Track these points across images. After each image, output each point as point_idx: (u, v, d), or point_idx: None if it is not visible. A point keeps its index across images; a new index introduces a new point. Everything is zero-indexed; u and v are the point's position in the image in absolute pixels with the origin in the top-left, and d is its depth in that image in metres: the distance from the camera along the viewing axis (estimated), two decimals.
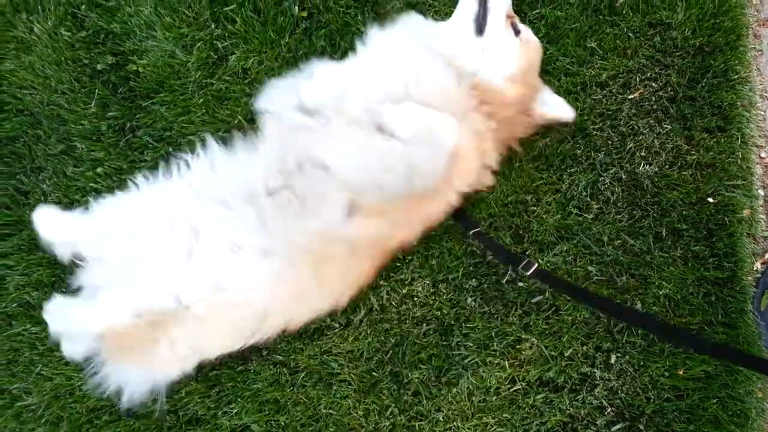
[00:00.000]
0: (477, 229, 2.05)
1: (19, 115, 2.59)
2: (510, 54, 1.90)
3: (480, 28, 1.91)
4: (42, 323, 2.46)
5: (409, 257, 2.23)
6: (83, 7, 2.55)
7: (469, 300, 2.16)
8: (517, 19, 1.99)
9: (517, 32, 1.95)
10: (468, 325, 2.14)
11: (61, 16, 2.56)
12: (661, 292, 2.05)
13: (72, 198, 2.49)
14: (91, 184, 2.46)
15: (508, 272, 2.14)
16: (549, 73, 2.18)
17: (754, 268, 2.10)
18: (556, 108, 2.02)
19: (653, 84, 2.12)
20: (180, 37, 2.45)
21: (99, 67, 2.51)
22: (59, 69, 2.54)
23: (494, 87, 1.87)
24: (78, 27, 2.55)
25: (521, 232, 2.16)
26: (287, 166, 1.89)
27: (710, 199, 2.06)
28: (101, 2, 2.54)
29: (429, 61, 1.86)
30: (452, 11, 2.06)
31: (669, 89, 2.11)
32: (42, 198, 2.52)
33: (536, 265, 1.87)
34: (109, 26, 2.51)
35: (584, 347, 2.07)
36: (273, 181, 1.91)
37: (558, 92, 2.15)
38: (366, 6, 2.32)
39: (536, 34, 2.18)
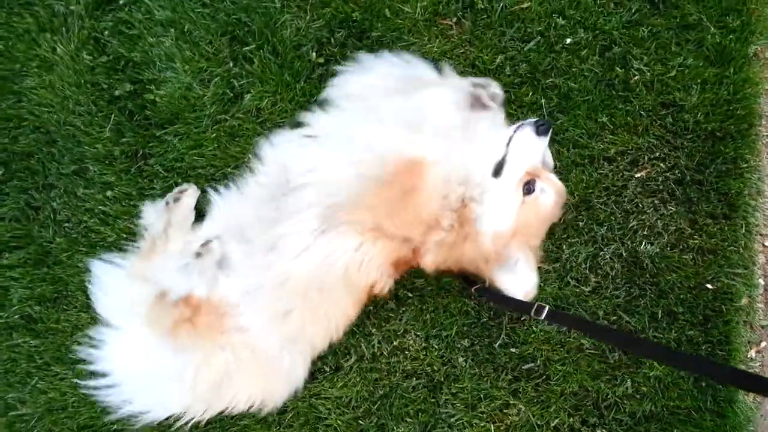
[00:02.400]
0: (480, 285, 1.94)
1: (36, 132, 2.53)
2: (507, 212, 1.74)
3: (497, 172, 1.76)
4: (41, 337, 2.41)
5: (403, 309, 2.16)
6: (106, 32, 2.48)
7: (461, 359, 2.08)
8: (540, 179, 1.80)
9: (528, 191, 1.77)
10: (457, 384, 2.07)
11: (84, 40, 2.49)
12: (651, 373, 1.97)
13: (80, 219, 2.42)
14: (100, 207, 2.40)
15: (501, 336, 2.06)
16: (558, 142, 2.10)
17: (749, 356, 2.02)
18: (512, 284, 1.76)
19: (661, 164, 2.03)
20: (198, 71, 2.38)
21: (117, 93, 2.44)
22: (78, 91, 2.47)
23: (477, 227, 1.74)
24: (99, 51, 2.49)
25: None
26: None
27: (709, 285, 1.98)
28: (124, 30, 2.47)
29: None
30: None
31: (677, 171, 2.03)
32: (51, 215, 2.47)
33: (547, 307, 1.72)
34: (130, 54, 2.45)
35: (571, 419, 1.99)
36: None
37: (566, 163, 2.08)
38: None
39: (547, 103, 2.11)
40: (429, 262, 1.82)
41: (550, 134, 1.80)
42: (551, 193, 1.80)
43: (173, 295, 1.81)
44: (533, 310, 1.73)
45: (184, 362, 1.82)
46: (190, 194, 2.18)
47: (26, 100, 2.55)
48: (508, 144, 1.77)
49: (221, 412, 1.95)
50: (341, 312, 1.90)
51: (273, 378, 1.94)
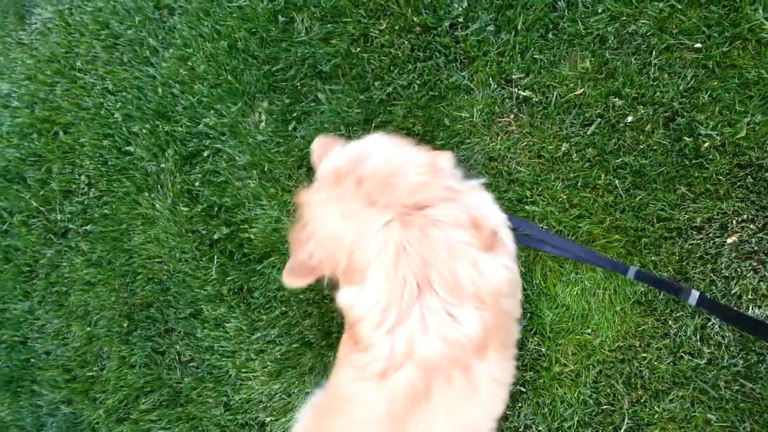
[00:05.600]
0: (634, 268, 1.75)
1: (150, 283, 2.76)
2: None
3: None
4: None
5: (519, 405, 2.18)
6: (197, 183, 2.70)
7: None
8: None
9: None
10: None
11: (178, 193, 2.72)
12: None
13: (202, 357, 2.61)
14: (218, 344, 2.57)
15: (625, 421, 2.05)
16: (642, 218, 2.11)
17: None
18: None
19: (751, 226, 2.00)
20: (283, 205, 2.55)
21: (216, 236, 2.64)
22: (181, 240, 2.69)
23: None
24: (194, 202, 2.71)
25: (633, 379, 2.07)
26: None
27: None
28: (212, 179, 2.68)
29: None
30: None
31: None
32: (176, 357, 2.66)
33: (698, 293, 1.60)
34: (221, 200, 2.65)
35: None
36: None
37: (654, 238, 2.09)
38: None
39: (621, 182, 2.14)
40: None
41: None
42: None
43: None
44: (683, 294, 1.62)
45: None
46: None
47: (137, 255, 2.79)
48: None
49: None
50: None
51: None
